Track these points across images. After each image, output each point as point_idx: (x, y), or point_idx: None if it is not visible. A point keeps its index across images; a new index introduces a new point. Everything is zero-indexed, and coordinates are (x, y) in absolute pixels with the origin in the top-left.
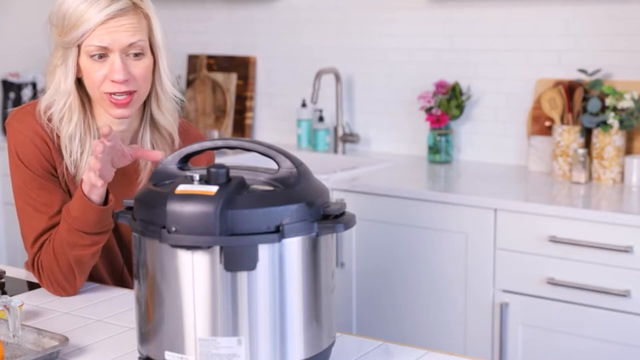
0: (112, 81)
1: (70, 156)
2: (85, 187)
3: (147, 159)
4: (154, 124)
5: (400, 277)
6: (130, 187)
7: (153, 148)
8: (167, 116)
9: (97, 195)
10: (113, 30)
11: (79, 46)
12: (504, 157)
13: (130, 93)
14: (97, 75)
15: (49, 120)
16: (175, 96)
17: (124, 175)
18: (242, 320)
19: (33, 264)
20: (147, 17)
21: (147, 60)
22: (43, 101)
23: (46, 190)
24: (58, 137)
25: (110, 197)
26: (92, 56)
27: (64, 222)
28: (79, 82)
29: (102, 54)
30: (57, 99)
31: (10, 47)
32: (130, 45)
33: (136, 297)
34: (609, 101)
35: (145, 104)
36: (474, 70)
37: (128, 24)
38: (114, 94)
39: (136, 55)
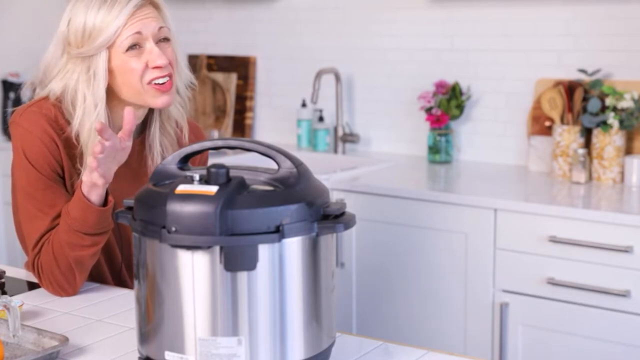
0: (155, 67)
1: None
2: (85, 188)
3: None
4: (161, 117)
5: (400, 277)
6: (137, 184)
7: (162, 149)
8: (177, 106)
9: (96, 196)
10: (142, 18)
11: (108, 49)
12: (504, 157)
13: (170, 79)
14: (137, 66)
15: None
16: (191, 82)
17: (129, 172)
18: (242, 320)
19: (33, 265)
20: (159, 9)
21: (172, 46)
22: (75, 122)
23: (51, 191)
24: (68, 136)
25: (110, 197)
26: (127, 50)
27: (63, 223)
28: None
29: (136, 45)
30: (87, 113)
31: (10, 47)
32: (160, 29)
33: (136, 297)
34: (609, 101)
35: None
36: (474, 70)
37: (151, 12)
38: (157, 81)
39: (164, 40)
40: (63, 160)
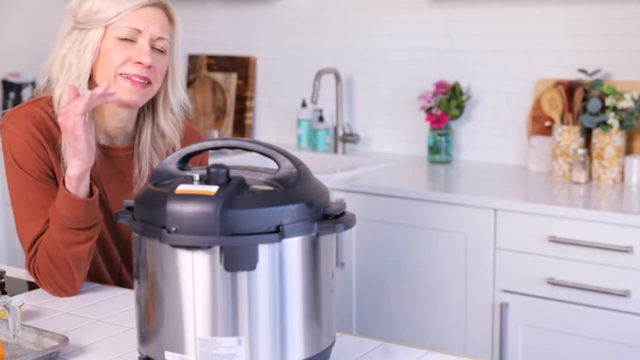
0: (138, 63)
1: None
2: (73, 182)
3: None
4: (155, 134)
5: (400, 277)
6: (129, 187)
7: (150, 158)
8: (172, 126)
9: (85, 188)
10: (149, 18)
11: (105, 28)
12: (504, 157)
13: (148, 81)
14: (120, 57)
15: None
16: (184, 104)
17: (122, 175)
18: (242, 320)
19: (30, 267)
20: (173, 22)
21: (166, 59)
22: (57, 91)
23: (43, 193)
24: (55, 139)
25: (94, 188)
26: (121, 39)
27: (54, 224)
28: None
29: (131, 39)
30: (70, 79)
31: (10, 47)
32: (159, 39)
33: (136, 297)
34: (609, 101)
35: (153, 109)
36: (474, 70)
37: (160, 18)
38: (134, 75)
39: (159, 51)
40: (52, 161)
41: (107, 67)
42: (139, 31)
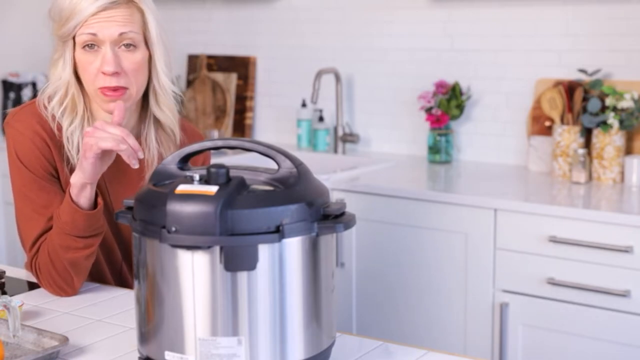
0: (103, 73)
1: (72, 147)
2: (74, 191)
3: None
4: (156, 121)
5: (400, 277)
6: (131, 186)
7: (159, 146)
8: (167, 113)
9: (85, 199)
10: (104, 20)
11: (74, 38)
12: (504, 157)
13: (121, 88)
14: (91, 68)
15: (51, 113)
16: (173, 92)
17: (124, 174)
18: (242, 320)
19: (31, 266)
20: (140, 11)
21: (139, 54)
22: (45, 92)
23: (46, 192)
24: (59, 130)
25: (99, 200)
26: (84, 47)
27: (55, 226)
28: (78, 78)
29: (93, 44)
30: (58, 90)
31: (10, 47)
32: (121, 35)
33: (136, 297)
34: (609, 101)
35: (146, 100)
36: (474, 70)
37: (119, 15)
38: (107, 88)
39: (127, 47)
40: (56, 161)
41: (86, 80)
42: (94, 35)
